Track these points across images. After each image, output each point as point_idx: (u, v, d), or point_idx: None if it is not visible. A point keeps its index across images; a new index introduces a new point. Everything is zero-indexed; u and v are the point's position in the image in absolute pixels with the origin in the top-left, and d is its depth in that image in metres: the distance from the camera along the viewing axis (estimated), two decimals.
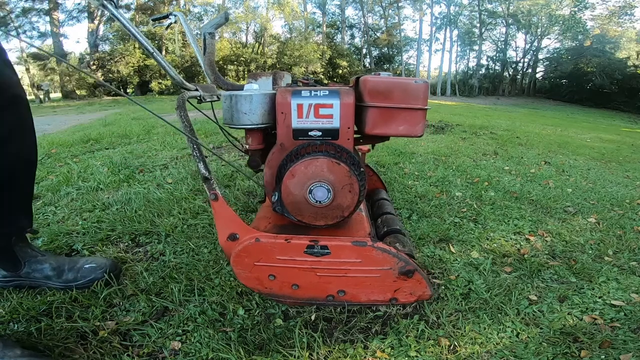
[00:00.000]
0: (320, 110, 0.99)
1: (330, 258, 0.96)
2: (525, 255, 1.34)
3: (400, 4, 25.32)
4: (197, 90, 1.12)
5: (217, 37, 1.27)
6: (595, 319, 1.00)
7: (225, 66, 18.33)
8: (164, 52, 16.65)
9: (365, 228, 1.08)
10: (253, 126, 1.02)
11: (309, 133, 1.01)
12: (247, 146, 1.09)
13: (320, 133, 1.01)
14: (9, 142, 0.91)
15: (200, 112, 1.31)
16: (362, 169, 0.98)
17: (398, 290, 0.99)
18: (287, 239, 0.96)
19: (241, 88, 1.09)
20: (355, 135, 1.13)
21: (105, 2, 0.91)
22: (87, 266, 1.04)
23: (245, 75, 18.59)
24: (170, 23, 1.32)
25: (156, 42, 16.55)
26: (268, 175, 1.07)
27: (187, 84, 1.09)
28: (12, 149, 0.92)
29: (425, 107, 0.99)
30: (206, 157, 0.99)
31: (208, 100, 1.16)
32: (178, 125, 0.97)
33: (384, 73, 1.02)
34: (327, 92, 0.98)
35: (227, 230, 0.98)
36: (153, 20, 1.36)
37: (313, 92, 0.98)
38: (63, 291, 1.03)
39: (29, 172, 1.01)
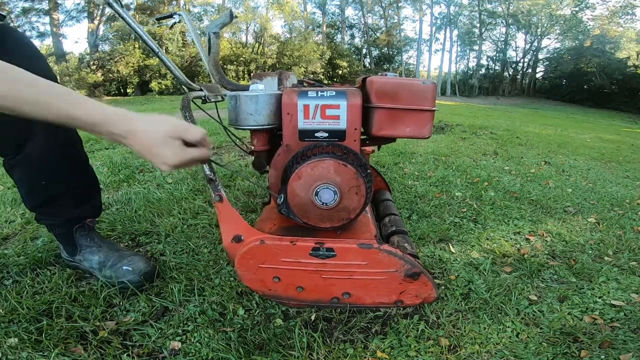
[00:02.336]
0: (327, 111, 0.98)
1: (335, 260, 0.95)
2: (525, 255, 1.34)
3: (400, 4, 25.33)
4: (201, 90, 1.11)
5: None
6: (595, 319, 1.00)
7: (225, 66, 18.33)
8: (164, 52, 16.63)
9: (371, 230, 1.07)
10: (258, 127, 1.01)
11: (316, 134, 1.00)
12: (253, 147, 1.08)
13: (326, 134, 1.00)
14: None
15: (204, 112, 1.31)
16: (368, 171, 0.98)
17: (403, 292, 0.99)
18: (293, 241, 0.96)
19: (246, 88, 1.08)
20: (361, 137, 1.13)
21: (111, 0, 0.91)
22: (124, 268, 1.06)
23: (245, 75, 18.62)
24: (175, 22, 1.32)
25: (156, 41, 16.52)
26: (274, 176, 1.06)
27: (192, 84, 1.08)
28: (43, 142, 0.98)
29: (433, 109, 0.99)
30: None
31: (213, 100, 1.16)
32: None
33: (390, 74, 1.02)
34: (333, 93, 0.97)
35: (232, 232, 0.98)
36: (157, 19, 1.36)
37: (319, 93, 0.97)
38: (105, 284, 1.06)
39: (65, 164, 1.05)
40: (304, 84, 1.15)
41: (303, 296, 1.00)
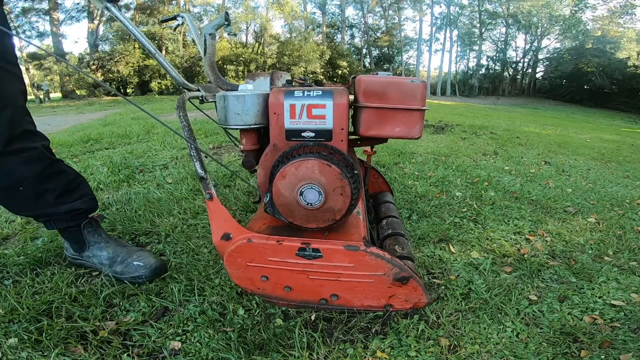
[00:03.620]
0: (313, 111, 0.97)
1: (322, 261, 0.94)
2: (525, 255, 1.34)
3: (400, 5, 25.33)
4: (199, 90, 1.12)
5: (217, 38, 1.27)
6: (595, 319, 1.00)
7: (224, 66, 18.32)
8: (163, 52, 16.65)
9: (361, 232, 1.05)
10: (246, 127, 1.01)
11: (302, 134, 0.99)
12: (242, 147, 1.08)
13: (313, 134, 0.99)
14: None
15: (202, 112, 1.32)
16: (355, 172, 0.96)
17: (393, 296, 0.98)
18: (279, 240, 0.95)
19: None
20: (353, 137, 1.12)
21: (108, 4, 0.91)
22: (134, 263, 1.09)
23: (245, 75, 18.61)
24: (178, 25, 1.33)
25: (156, 42, 16.56)
26: (262, 176, 1.05)
27: (188, 84, 1.09)
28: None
29: (423, 108, 0.97)
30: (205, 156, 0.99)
31: (210, 100, 1.16)
32: (178, 126, 0.97)
33: (383, 72, 1.01)
34: (320, 93, 0.96)
35: (221, 230, 0.98)
36: (161, 21, 1.38)
37: (306, 93, 0.96)
38: (114, 280, 1.09)
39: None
40: (293, 83, 1.14)
41: (291, 296, 1.00)
